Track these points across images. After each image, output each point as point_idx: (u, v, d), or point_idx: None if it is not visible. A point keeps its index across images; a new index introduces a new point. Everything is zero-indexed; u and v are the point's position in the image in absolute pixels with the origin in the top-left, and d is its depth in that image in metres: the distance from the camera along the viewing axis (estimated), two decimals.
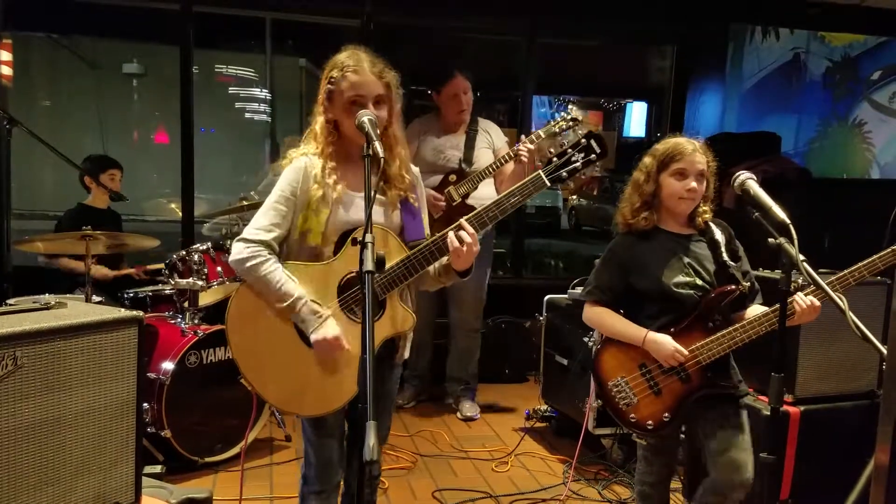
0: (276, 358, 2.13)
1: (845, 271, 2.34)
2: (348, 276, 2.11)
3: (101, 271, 4.21)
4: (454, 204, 4.15)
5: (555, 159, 2.17)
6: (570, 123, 3.87)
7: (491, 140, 4.36)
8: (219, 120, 11.53)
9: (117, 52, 11.08)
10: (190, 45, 4.83)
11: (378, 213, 2.16)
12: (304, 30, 10.22)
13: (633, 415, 2.41)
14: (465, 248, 2.04)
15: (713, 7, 5.58)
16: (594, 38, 6.55)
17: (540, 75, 5.49)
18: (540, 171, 2.15)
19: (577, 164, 2.16)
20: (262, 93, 12.03)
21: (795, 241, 2.02)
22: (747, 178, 2.24)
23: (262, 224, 2.10)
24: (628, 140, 16.50)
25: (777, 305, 2.22)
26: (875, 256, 2.33)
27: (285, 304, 2.05)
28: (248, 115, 12.13)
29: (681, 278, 2.38)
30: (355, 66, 2.08)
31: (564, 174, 2.17)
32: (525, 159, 3.90)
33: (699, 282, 2.38)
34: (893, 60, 6.87)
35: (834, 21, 6.17)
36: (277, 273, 2.06)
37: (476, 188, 4.17)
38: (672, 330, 2.36)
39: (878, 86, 7.03)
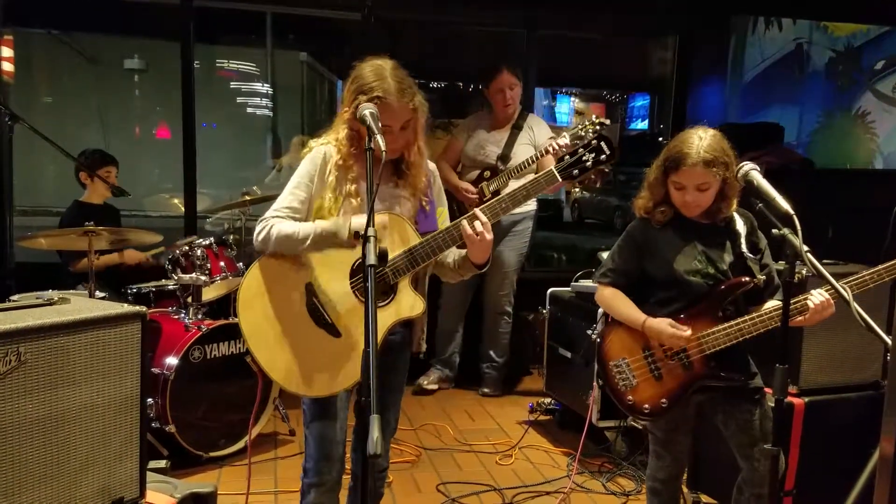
0: (285, 336, 2.17)
1: (864, 273, 2.31)
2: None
3: (135, 257, 4.25)
4: (484, 200, 4.32)
5: (567, 157, 2.25)
6: (598, 127, 3.98)
7: (533, 137, 4.52)
8: (220, 115, 11.50)
9: (118, 47, 11.05)
10: (191, 40, 4.81)
11: (395, 206, 2.22)
12: (305, 24, 10.19)
13: (630, 397, 2.41)
14: (478, 236, 2.09)
15: None
16: (595, 29, 6.52)
17: (541, 68, 5.48)
18: (552, 168, 2.25)
19: (588, 163, 2.23)
20: (264, 87, 12.00)
21: (799, 232, 2.02)
22: (751, 169, 2.23)
23: (280, 206, 2.19)
24: (631, 132, 16.48)
25: (794, 298, 2.23)
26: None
27: (309, 241, 2.11)
28: (249, 110, 12.11)
29: (693, 266, 2.36)
30: (384, 95, 2.08)
31: (576, 172, 2.24)
32: (552, 151, 4.06)
33: (711, 270, 2.36)
34: None
35: (837, 11, 6.14)
36: (291, 224, 2.14)
37: (506, 185, 4.36)
38: (681, 317, 2.35)
39: (882, 76, 7.00)
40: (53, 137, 3.86)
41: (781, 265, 2.12)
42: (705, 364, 2.35)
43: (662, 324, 2.33)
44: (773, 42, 7.84)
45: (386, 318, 2.13)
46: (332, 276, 2.15)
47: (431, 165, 2.33)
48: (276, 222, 2.15)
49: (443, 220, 2.32)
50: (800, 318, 2.26)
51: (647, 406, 2.40)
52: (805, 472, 2.84)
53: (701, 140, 2.30)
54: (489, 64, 4.55)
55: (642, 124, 16.64)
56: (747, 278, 2.32)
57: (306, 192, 2.18)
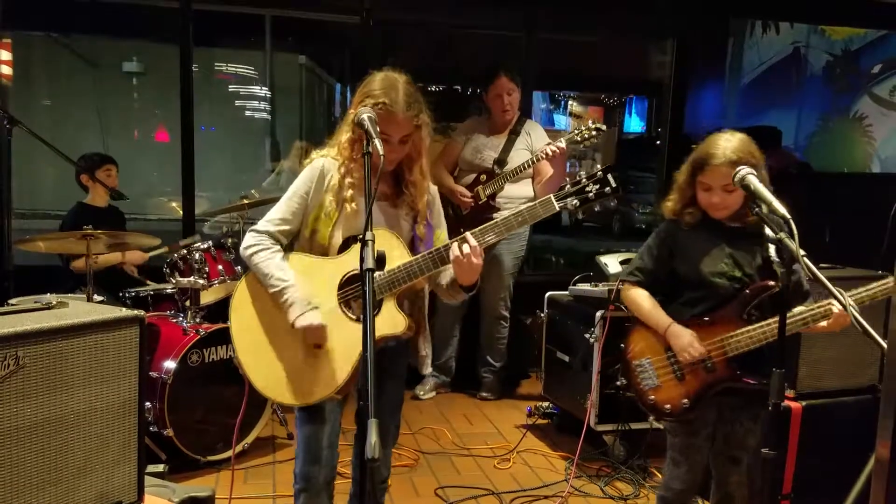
0: (269, 345, 2.20)
1: (861, 291, 2.30)
2: (351, 273, 2.16)
3: (138, 258, 4.24)
4: (480, 203, 4.41)
5: (568, 187, 2.21)
6: (594, 133, 4.00)
7: (530, 142, 4.53)
8: (219, 118, 11.51)
9: (117, 50, 11.05)
10: (189, 43, 4.82)
11: (391, 224, 2.23)
12: (303, 26, 10.20)
13: (652, 396, 2.43)
14: (465, 259, 2.08)
15: (713, 1, 5.57)
16: (593, 32, 6.53)
17: (540, 71, 5.48)
18: (551, 196, 2.19)
19: (590, 194, 2.19)
20: (262, 90, 12.00)
21: (796, 236, 2.02)
22: (748, 173, 2.23)
23: (273, 217, 2.22)
24: (629, 135, 16.49)
25: (816, 304, 2.25)
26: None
27: (276, 289, 2.13)
28: (248, 113, 12.11)
29: (719, 268, 2.38)
30: (391, 106, 2.09)
31: (575, 202, 2.20)
32: (549, 155, 4.09)
33: (737, 273, 2.37)
34: (893, 54, 6.86)
35: (834, 15, 6.16)
36: (275, 260, 2.16)
37: (502, 188, 4.40)
38: (705, 319, 2.37)
39: (879, 79, 7.01)
40: (52, 140, 3.87)
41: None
42: (728, 367, 2.36)
43: (684, 334, 2.35)
44: (771, 46, 7.85)
45: None
46: (319, 291, 2.17)
47: (433, 188, 2.32)
48: (261, 248, 2.17)
49: (441, 241, 2.30)
50: (823, 322, 2.27)
51: (668, 406, 2.41)
52: (802, 476, 2.84)
53: (728, 142, 2.31)
54: (488, 69, 4.56)
55: (640, 127, 16.65)
56: (772, 283, 2.31)
57: (300, 205, 2.20)
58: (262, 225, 2.21)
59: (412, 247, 2.23)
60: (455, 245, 2.10)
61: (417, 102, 2.14)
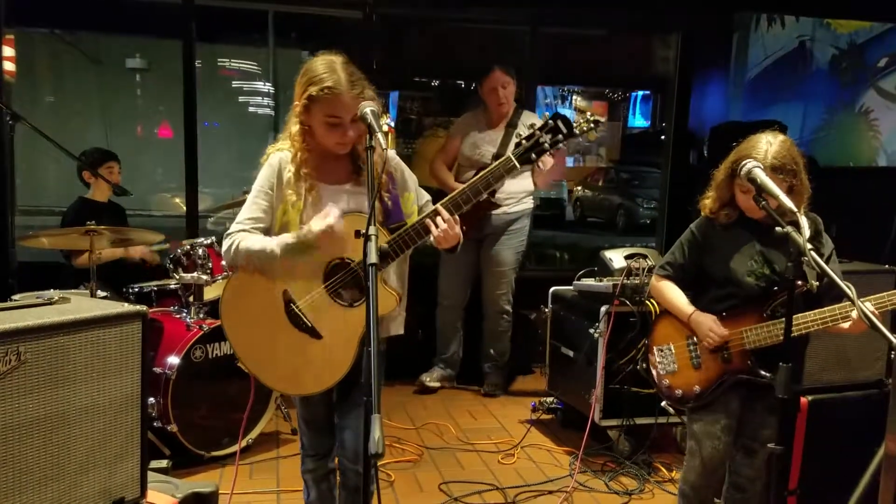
0: (269, 342, 2.22)
1: (884, 295, 2.28)
2: (334, 262, 2.18)
3: (138, 251, 4.25)
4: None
5: (524, 142, 2.22)
6: (592, 125, 3.96)
7: None
8: (222, 114, 11.51)
9: (120, 47, 11.07)
10: (192, 40, 4.81)
11: (359, 204, 2.22)
12: (306, 22, 10.18)
13: (667, 380, 2.51)
14: (441, 232, 2.11)
15: None
16: (597, 27, 6.51)
17: (544, 66, 5.46)
18: (510, 154, 2.20)
19: (545, 144, 2.19)
20: (266, 86, 12.01)
21: (804, 230, 2.00)
22: (754, 167, 2.22)
23: (243, 218, 2.22)
24: (633, 130, 16.46)
25: (839, 304, 2.23)
26: None
27: (279, 250, 2.12)
28: (251, 109, 12.11)
29: (748, 266, 2.39)
30: (335, 87, 2.09)
31: (533, 156, 2.21)
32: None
33: (766, 271, 2.37)
34: None
35: (840, 8, 6.13)
36: (257, 238, 2.16)
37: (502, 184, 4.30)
38: (724, 315, 2.40)
39: (885, 73, 6.97)
40: (55, 137, 3.86)
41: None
42: (743, 359, 2.38)
43: (706, 320, 2.40)
44: (776, 39, 7.81)
45: (361, 316, 2.12)
46: (306, 282, 2.18)
47: (390, 153, 2.28)
48: (241, 238, 2.16)
49: (411, 203, 2.31)
50: (844, 324, 2.26)
51: (680, 391, 2.48)
52: (809, 470, 2.83)
53: (770, 146, 2.28)
54: (482, 64, 4.54)
55: (644, 122, 16.61)
56: (800, 282, 2.25)
57: (267, 201, 2.21)
58: (234, 227, 2.20)
59: (382, 218, 2.22)
60: (429, 221, 2.11)
61: (360, 80, 2.14)
